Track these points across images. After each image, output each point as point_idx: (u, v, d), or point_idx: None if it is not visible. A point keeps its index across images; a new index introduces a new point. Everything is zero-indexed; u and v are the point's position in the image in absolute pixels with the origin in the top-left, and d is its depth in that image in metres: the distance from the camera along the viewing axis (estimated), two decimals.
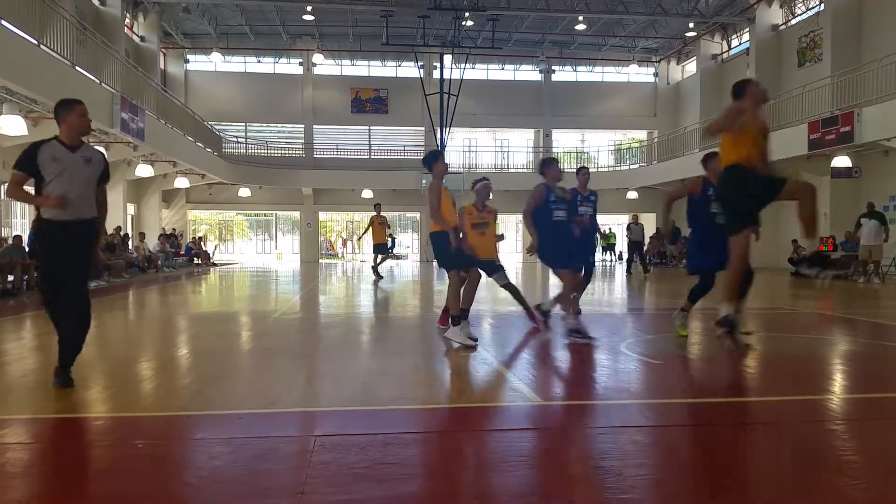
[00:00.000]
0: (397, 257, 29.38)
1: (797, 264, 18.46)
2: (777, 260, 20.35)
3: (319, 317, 10.20)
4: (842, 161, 17.41)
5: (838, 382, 5.49)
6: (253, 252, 36.21)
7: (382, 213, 17.09)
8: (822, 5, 21.32)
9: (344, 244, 36.94)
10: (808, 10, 22.69)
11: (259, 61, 30.95)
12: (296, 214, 32.16)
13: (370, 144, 30.80)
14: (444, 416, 4.37)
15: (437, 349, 6.84)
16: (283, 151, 31.12)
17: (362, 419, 4.17)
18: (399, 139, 30.99)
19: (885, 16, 18.89)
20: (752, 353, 6.30)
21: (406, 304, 12.10)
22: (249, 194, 28.80)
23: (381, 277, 16.53)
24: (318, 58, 30.26)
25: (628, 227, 21.77)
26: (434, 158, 6.95)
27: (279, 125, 31.50)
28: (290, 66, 30.97)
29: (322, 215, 32.54)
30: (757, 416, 4.42)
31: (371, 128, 30.79)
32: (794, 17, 23.37)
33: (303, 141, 30.86)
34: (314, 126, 30.73)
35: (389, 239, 19.45)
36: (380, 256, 17.19)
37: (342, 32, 29.42)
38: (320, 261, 31.20)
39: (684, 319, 7.01)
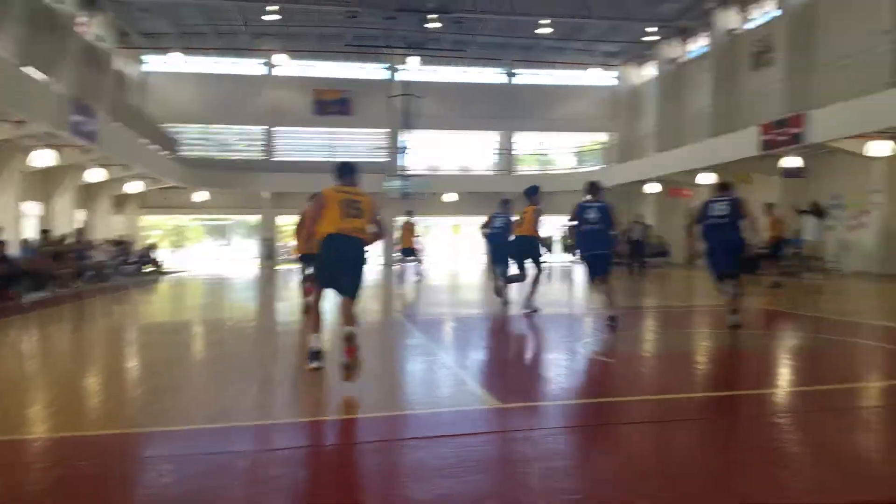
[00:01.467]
0: None
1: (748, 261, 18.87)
2: None
3: (276, 324, 10.04)
4: (792, 161, 17.90)
5: (785, 377, 5.69)
6: (209, 258, 35.39)
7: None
8: (780, 10, 21.77)
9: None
10: (763, 14, 23.19)
11: (218, 62, 30.43)
12: (255, 219, 31.67)
13: (333, 146, 30.53)
14: (402, 424, 4.35)
15: (395, 354, 6.83)
16: (242, 154, 30.66)
17: (315, 430, 4.13)
18: (363, 141, 30.82)
19: (836, 22, 19.41)
20: (706, 349, 6.50)
21: (365, 310, 12.00)
22: (207, 198, 28.30)
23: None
24: (280, 58, 29.89)
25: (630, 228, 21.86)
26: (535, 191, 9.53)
27: (239, 127, 31.02)
28: (251, 67, 30.58)
29: (282, 219, 32.10)
30: (708, 410, 4.53)
31: (334, 130, 30.53)
32: (750, 22, 23.87)
33: (263, 143, 30.44)
34: (275, 128, 30.37)
35: None
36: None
37: (305, 33, 29.11)
38: (278, 267, 30.71)
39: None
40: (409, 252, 18.11)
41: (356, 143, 30.88)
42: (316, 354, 5.40)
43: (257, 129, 30.62)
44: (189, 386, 5.53)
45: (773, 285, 12.79)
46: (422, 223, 20.37)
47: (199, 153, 29.53)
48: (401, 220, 18.82)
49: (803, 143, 16.78)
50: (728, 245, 7.40)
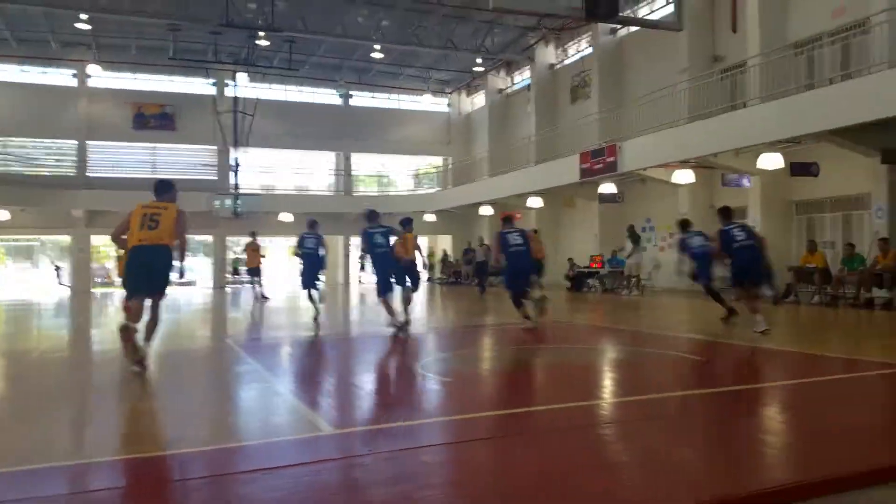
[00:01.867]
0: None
1: (573, 280, 20.08)
2: (556, 277, 21.86)
3: (90, 354, 9.11)
4: (607, 188, 19.32)
5: (608, 388, 5.97)
6: (12, 282, 31.69)
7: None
8: (590, 49, 23.56)
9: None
10: (578, 52, 24.99)
11: (23, 70, 27.50)
12: (66, 239, 28.79)
13: (155, 163, 28.58)
14: (231, 456, 4.00)
15: (225, 382, 6.38)
16: (51, 169, 27.85)
17: (135, 467, 3.73)
18: (189, 158, 29.15)
19: (642, 60, 21.34)
20: (536, 365, 6.71)
21: (193, 335, 11.22)
22: (9, 217, 25.40)
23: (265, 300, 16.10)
24: (94, 69, 27.58)
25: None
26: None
27: (48, 140, 28.15)
28: (60, 77, 27.91)
29: (96, 239, 29.43)
30: (539, 424, 4.59)
31: (156, 145, 28.61)
32: (567, 58, 25.62)
33: (75, 158, 27.85)
34: (89, 142, 27.91)
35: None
36: None
37: (123, 44, 27.18)
38: (93, 290, 28.15)
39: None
40: (256, 272, 17.92)
41: (181, 159, 29.10)
42: (140, 362, 6.17)
43: (69, 144, 27.97)
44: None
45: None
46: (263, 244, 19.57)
47: (7, 168, 26.43)
48: (244, 240, 18.20)
49: (617, 172, 18.15)
50: (525, 269, 9.67)
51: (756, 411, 4.97)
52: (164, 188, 6.57)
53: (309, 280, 11.62)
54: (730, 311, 9.97)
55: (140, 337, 6.23)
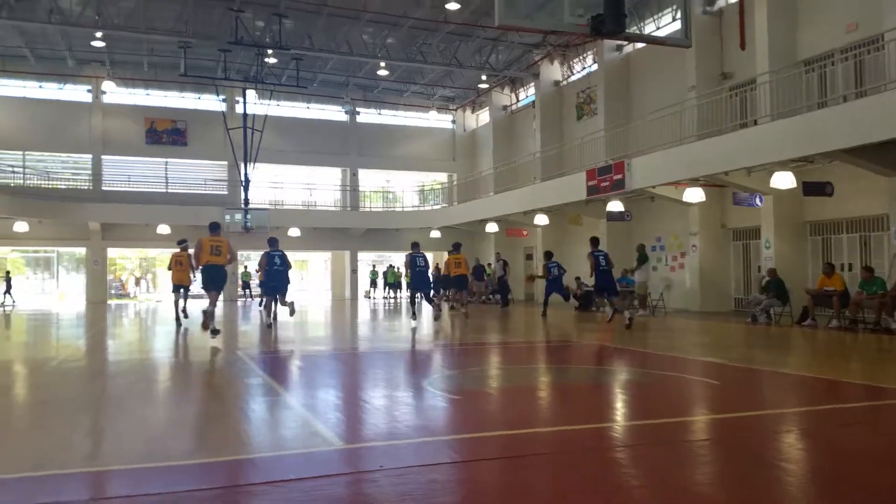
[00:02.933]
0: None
1: (581, 299, 19.18)
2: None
3: (106, 364, 8.84)
4: (615, 206, 18.45)
5: (620, 411, 5.58)
6: (31, 292, 31.08)
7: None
8: (595, 65, 22.82)
9: (137, 283, 33.11)
10: (583, 69, 24.23)
11: (41, 86, 26.95)
12: (81, 251, 28.15)
13: (167, 177, 27.91)
14: (240, 469, 3.84)
15: (233, 395, 6.19)
16: (68, 183, 27.24)
17: (149, 477, 3.60)
18: (199, 173, 28.48)
19: (647, 77, 20.59)
20: (542, 385, 6.77)
21: (203, 347, 10.55)
22: (27, 229, 24.79)
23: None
24: (108, 85, 27.03)
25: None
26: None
27: (64, 154, 27.55)
28: (77, 93, 27.36)
29: (112, 252, 28.84)
30: (550, 445, 4.32)
31: (168, 160, 27.96)
32: (573, 75, 24.87)
33: (90, 172, 27.23)
34: (104, 156, 27.29)
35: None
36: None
37: (136, 60, 26.63)
38: (109, 301, 27.55)
39: None
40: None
41: (192, 174, 28.44)
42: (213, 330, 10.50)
43: (85, 157, 27.37)
44: (8, 432, 4.83)
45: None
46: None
47: (18, 181, 25.83)
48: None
49: (625, 189, 17.30)
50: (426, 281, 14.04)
51: (774, 437, 4.52)
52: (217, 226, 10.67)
53: (271, 289, 12.91)
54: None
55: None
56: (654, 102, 18.93)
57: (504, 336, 12.44)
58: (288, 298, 12.73)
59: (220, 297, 11.02)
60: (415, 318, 14.01)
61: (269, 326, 12.83)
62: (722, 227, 18.15)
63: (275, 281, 12.57)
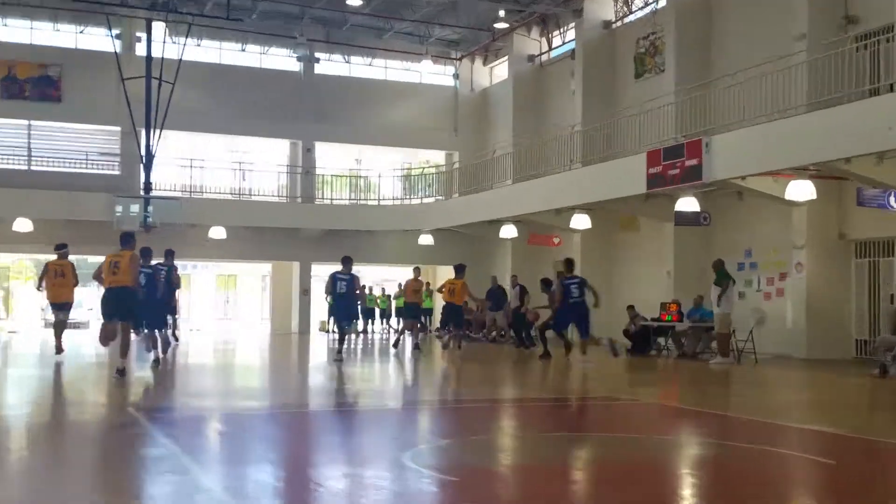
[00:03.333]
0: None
1: (635, 337, 19.55)
2: (610, 330, 21.33)
3: None
4: (688, 203, 18.86)
5: (689, 499, 5.78)
6: None
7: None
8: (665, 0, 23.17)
9: None
10: (646, 4, 24.59)
11: None
12: None
13: (30, 148, 28.25)
14: None
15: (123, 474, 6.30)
16: None
17: None
18: (79, 143, 28.87)
19: (736, 21, 21.03)
20: (577, 463, 6.97)
21: (82, 401, 10.96)
22: None
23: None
24: None
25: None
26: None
27: None
28: None
29: None
30: None
31: (32, 122, 28.34)
32: (631, 13, 25.27)
33: None
34: None
35: None
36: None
37: None
38: None
39: None
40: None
41: (68, 144, 28.78)
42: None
43: None
44: None
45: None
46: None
47: None
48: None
49: (702, 180, 17.69)
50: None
51: None
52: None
53: (156, 317, 14.72)
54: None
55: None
56: (745, 57, 19.31)
57: (521, 389, 12.73)
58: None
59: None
60: (339, 357, 16.19)
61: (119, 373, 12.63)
62: (840, 237, 18.61)
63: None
